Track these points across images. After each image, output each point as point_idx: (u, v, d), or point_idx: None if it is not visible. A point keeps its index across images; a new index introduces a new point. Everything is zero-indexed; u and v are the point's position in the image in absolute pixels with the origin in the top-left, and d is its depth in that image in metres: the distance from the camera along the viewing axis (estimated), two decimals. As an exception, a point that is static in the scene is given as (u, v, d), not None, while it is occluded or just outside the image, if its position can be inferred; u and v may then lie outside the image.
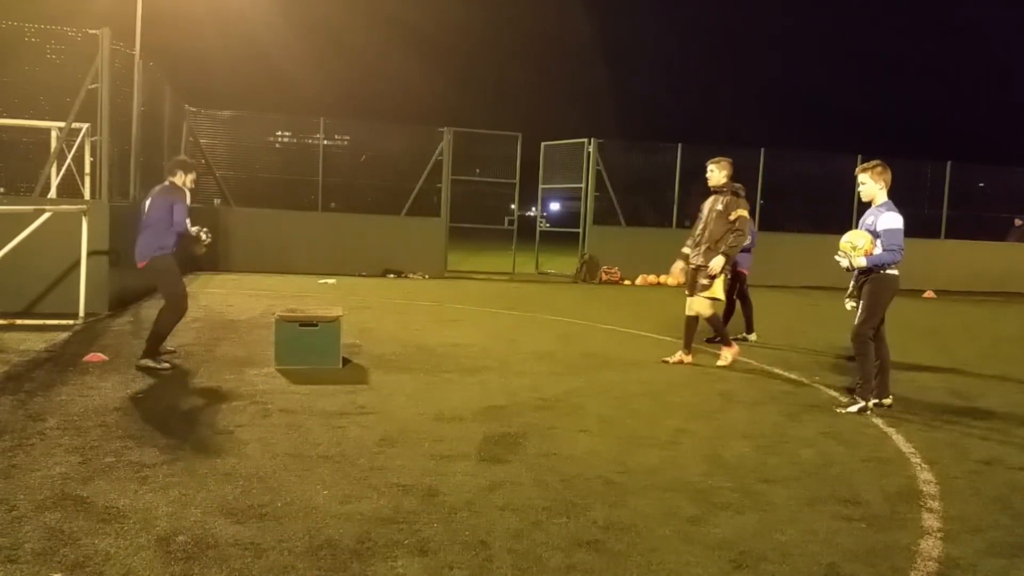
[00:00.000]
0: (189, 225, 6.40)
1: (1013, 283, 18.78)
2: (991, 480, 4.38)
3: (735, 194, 7.40)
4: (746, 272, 9.16)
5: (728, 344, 7.60)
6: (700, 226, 7.51)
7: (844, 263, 5.81)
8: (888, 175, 5.79)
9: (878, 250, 5.62)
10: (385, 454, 4.33)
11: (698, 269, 7.39)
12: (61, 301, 8.43)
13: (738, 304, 9.16)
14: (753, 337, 9.06)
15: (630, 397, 6.03)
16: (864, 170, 5.84)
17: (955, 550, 3.39)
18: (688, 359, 7.49)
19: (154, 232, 6.26)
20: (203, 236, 6.58)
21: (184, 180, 6.49)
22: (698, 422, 5.37)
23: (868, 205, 5.89)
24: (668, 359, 7.54)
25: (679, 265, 7.70)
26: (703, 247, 7.37)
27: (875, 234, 5.66)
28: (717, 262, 7.23)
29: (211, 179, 16.28)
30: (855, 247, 5.73)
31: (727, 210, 7.34)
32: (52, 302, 8.51)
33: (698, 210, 7.73)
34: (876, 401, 5.81)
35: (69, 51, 9.54)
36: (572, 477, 4.09)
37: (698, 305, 7.41)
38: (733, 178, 7.52)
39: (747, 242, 8.76)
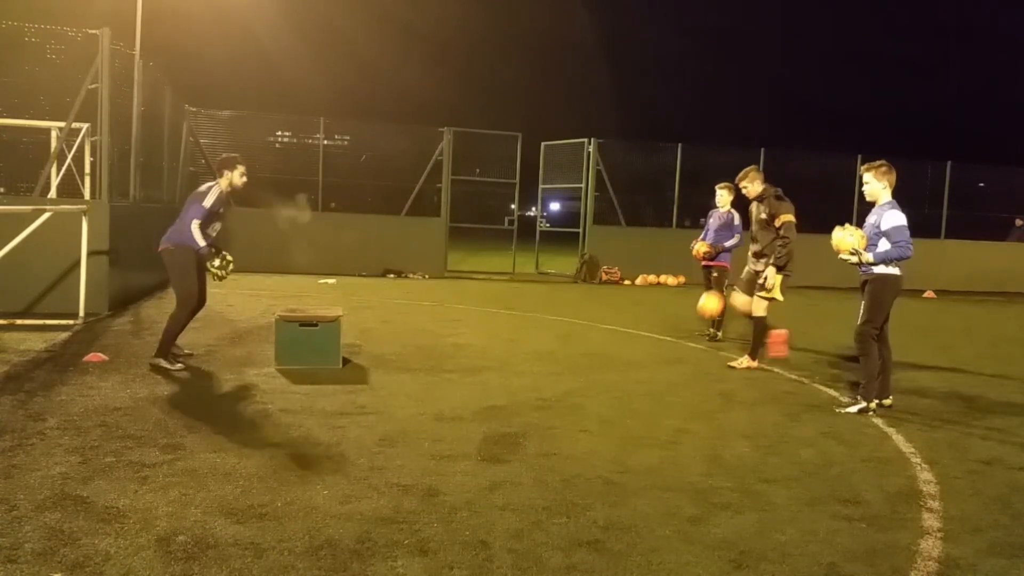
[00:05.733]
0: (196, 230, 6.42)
1: (1013, 283, 18.79)
2: (991, 480, 4.38)
3: (777, 197, 7.17)
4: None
5: (754, 356, 7.43)
6: (751, 234, 7.42)
7: (853, 260, 5.80)
8: (892, 175, 5.79)
9: (885, 246, 5.61)
10: (385, 454, 4.33)
11: (756, 274, 7.26)
12: (61, 301, 8.43)
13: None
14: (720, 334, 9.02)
15: (630, 397, 6.03)
16: (869, 169, 5.84)
17: (955, 550, 3.39)
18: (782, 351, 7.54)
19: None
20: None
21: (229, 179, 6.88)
22: (698, 422, 5.37)
23: (871, 205, 5.89)
24: (734, 363, 7.47)
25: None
26: (758, 255, 7.30)
27: (880, 233, 5.66)
28: (770, 276, 7.03)
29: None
30: (846, 242, 5.78)
31: (771, 215, 7.14)
32: (52, 302, 8.51)
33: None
34: (877, 401, 5.81)
35: (69, 51, 9.53)
36: (572, 477, 4.09)
37: (755, 304, 7.25)
38: (767, 180, 7.35)
39: (735, 242, 8.94)
